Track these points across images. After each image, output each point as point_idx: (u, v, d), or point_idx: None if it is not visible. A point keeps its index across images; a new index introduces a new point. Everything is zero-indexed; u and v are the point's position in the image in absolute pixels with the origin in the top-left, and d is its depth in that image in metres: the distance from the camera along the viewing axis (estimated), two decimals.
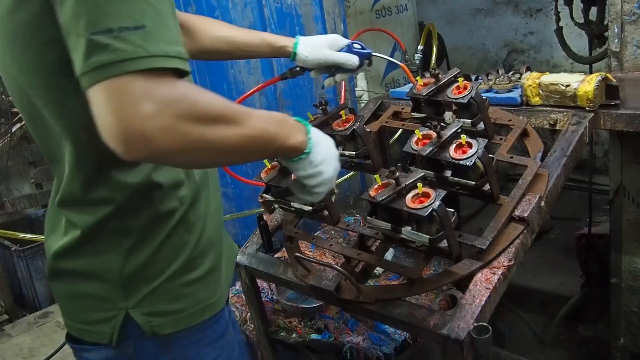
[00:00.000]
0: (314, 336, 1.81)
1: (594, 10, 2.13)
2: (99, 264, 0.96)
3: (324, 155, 1.00)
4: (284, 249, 1.60)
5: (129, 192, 0.93)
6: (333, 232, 2.18)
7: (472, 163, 1.25)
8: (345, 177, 2.25)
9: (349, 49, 1.48)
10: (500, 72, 1.70)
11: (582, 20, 2.19)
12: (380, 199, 1.21)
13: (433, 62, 2.71)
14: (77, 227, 0.95)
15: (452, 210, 1.22)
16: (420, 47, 2.65)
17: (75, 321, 1.01)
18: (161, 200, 0.96)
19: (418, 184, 1.20)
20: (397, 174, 1.22)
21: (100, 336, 0.97)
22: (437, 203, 1.17)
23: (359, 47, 1.50)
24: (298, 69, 1.51)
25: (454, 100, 1.39)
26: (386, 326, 1.80)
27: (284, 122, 0.94)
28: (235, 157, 0.89)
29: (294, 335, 1.80)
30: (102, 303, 0.97)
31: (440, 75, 1.43)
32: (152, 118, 0.71)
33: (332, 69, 1.49)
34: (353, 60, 1.46)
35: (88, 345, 1.01)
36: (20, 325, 2.96)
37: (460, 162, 1.25)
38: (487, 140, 1.29)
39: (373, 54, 1.52)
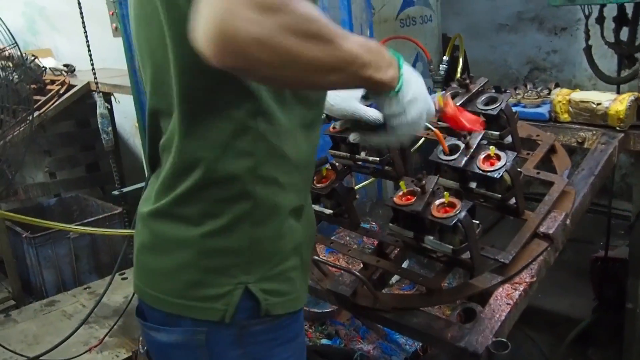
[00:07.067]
0: (324, 341, 1.79)
1: (624, 31, 2.12)
2: (231, 234, 0.94)
3: (412, 95, 0.97)
4: None
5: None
6: (348, 238, 2.16)
7: (499, 175, 1.23)
8: (365, 183, 2.23)
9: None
10: (528, 87, 1.68)
11: (612, 40, 2.17)
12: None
13: (458, 74, 2.70)
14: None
15: (477, 222, 1.21)
16: (445, 58, 2.64)
17: (178, 297, 0.96)
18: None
19: (445, 193, 1.19)
20: (424, 181, 1.21)
21: (210, 313, 0.94)
22: (463, 213, 1.16)
23: None
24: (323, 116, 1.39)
25: (483, 111, 1.38)
26: (398, 336, 1.78)
27: (379, 54, 0.90)
28: (323, 79, 0.84)
29: None
30: (219, 277, 0.94)
31: (470, 85, 1.42)
32: (254, 23, 0.69)
33: (358, 122, 1.26)
34: (380, 118, 1.25)
35: (159, 325, 0.98)
36: (27, 312, 2.96)
37: (488, 173, 1.24)
38: (515, 153, 1.27)
39: None
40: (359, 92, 1.27)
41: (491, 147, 1.26)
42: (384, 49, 0.93)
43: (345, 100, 1.26)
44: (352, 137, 1.33)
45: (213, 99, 0.90)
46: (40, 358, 2.27)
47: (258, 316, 0.95)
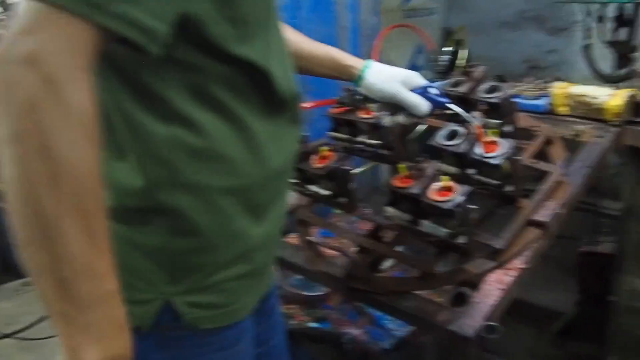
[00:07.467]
0: (312, 324, 1.80)
1: (623, 30, 2.14)
2: (155, 241, 0.83)
3: None
4: (290, 234, 1.57)
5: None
6: (342, 223, 2.17)
7: (499, 162, 1.25)
8: (364, 167, 2.22)
9: (423, 91, 1.26)
10: (527, 80, 1.70)
11: (610, 39, 2.19)
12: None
13: (463, 63, 2.71)
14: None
15: (475, 207, 1.22)
16: (449, 49, 2.66)
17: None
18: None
19: (443, 177, 1.20)
20: (425, 165, 1.22)
21: (131, 317, 0.78)
22: (461, 197, 1.17)
23: (436, 92, 1.26)
24: (359, 97, 1.30)
25: (485, 99, 1.39)
26: (387, 321, 1.80)
27: (105, 319, 0.70)
28: (22, 234, 0.66)
29: (293, 321, 1.80)
30: (142, 283, 0.84)
31: (473, 74, 1.43)
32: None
33: (397, 107, 1.26)
34: (423, 107, 1.23)
35: None
36: (5, 291, 2.91)
37: (488, 160, 1.25)
38: (515, 141, 1.29)
39: (449, 105, 1.29)
40: (403, 76, 1.21)
41: (491, 133, 1.28)
42: (124, 317, 0.72)
43: (386, 81, 1.19)
44: (388, 121, 1.31)
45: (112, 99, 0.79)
46: (15, 336, 2.23)
47: (181, 328, 0.86)
